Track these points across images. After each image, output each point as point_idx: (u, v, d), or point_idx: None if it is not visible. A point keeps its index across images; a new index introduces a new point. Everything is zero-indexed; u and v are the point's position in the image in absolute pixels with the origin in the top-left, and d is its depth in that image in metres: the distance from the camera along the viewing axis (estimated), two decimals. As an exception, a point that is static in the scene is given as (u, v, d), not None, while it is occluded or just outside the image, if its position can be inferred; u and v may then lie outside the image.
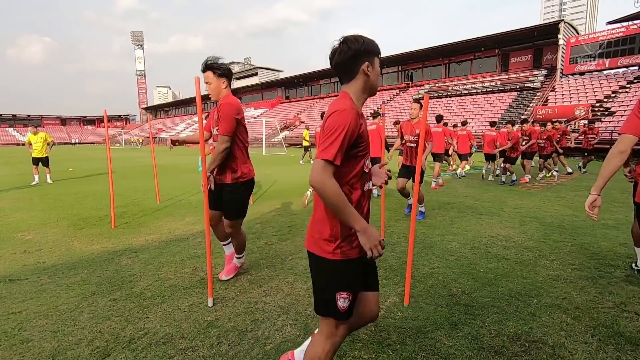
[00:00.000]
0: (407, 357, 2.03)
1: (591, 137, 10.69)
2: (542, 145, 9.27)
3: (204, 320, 2.45)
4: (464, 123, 10.54)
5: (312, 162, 15.63)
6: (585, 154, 10.91)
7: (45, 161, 9.84)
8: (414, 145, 5.08)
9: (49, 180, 9.90)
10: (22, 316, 2.52)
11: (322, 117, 7.60)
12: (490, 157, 9.59)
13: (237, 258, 3.16)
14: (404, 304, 2.64)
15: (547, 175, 9.68)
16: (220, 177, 2.85)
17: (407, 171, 5.15)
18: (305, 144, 16.79)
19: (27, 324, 2.41)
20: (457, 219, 5.21)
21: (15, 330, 2.34)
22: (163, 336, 2.26)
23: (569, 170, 10.22)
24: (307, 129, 17.06)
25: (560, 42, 26.72)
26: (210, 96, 2.75)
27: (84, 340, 2.22)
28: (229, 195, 2.86)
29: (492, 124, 10.52)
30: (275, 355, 2.06)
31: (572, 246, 3.93)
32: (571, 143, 10.90)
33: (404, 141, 5.29)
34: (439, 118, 8.70)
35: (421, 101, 4.64)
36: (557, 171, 9.67)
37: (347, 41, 1.38)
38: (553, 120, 11.29)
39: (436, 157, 8.24)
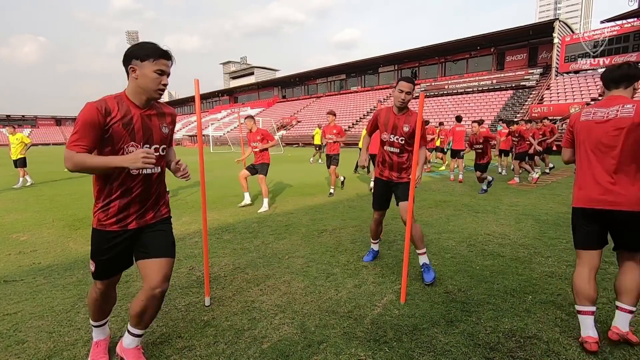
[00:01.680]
0: (403, 354, 2.05)
1: None
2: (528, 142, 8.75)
3: (200, 320, 2.44)
4: (459, 119, 10.40)
5: (320, 161, 15.59)
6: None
7: (22, 162, 9.35)
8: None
9: (25, 183, 9.34)
10: (18, 317, 2.51)
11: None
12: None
13: (135, 337, 1.93)
14: (401, 302, 2.66)
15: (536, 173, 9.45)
16: (154, 214, 1.95)
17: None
18: (317, 142, 16.04)
19: (22, 325, 2.40)
20: (453, 217, 5.23)
21: (11, 331, 2.33)
22: (160, 336, 2.26)
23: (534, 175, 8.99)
24: (319, 127, 16.30)
25: (555, 40, 26.84)
26: (156, 94, 1.78)
27: (80, 340, 2.21)
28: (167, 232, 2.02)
29: (458, 118, 10.30)
30: (272, 353, 2.06)
31: (567, 243, 3.96)
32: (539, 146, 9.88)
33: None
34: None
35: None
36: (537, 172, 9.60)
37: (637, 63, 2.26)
38: (547, 118, 10.93)
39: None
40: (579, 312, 2.10)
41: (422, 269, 3.02)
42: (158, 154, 1.86)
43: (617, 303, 2.09)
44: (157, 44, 1.74)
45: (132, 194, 1.81)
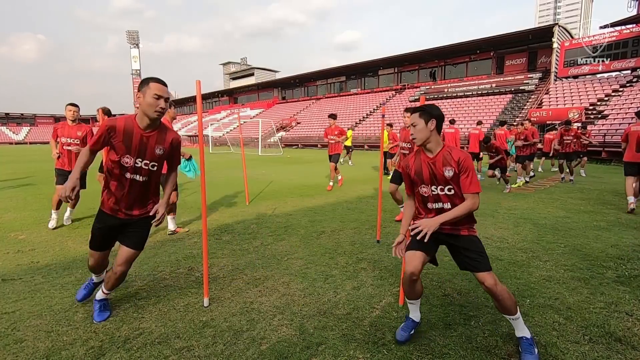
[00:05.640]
0: (401, 356, 2.05)
1: (567, 140, 9.17)
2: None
3: (199, 320, 2.45)
4: (479, 122, 10.49)
5: (350, 162, 15.60)
6: (556, 157, 9.88)
7: None
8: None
9: None
10: (16, 316, 2.50)
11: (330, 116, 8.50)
12: (475, 156, 10.16)
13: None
14: (399, 304, 2.67)
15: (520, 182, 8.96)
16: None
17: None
18: (348, 144, 15.88)
19: (20, 324, 2.39)
20: (452, 220, 5.23)
21: (9, 330, 2.33)
22: (158, 336, 2.26)
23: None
24: (351, 130, 16.42)
25: (555, 45, 26.97)
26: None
27: (79, 340, 2.21)
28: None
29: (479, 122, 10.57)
30: (270, 355, 2.07)
31: (565, 247, 3.98)
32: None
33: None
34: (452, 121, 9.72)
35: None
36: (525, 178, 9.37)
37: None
38: (528, 120, 10.53)
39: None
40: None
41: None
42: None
43: None
44: None
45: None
